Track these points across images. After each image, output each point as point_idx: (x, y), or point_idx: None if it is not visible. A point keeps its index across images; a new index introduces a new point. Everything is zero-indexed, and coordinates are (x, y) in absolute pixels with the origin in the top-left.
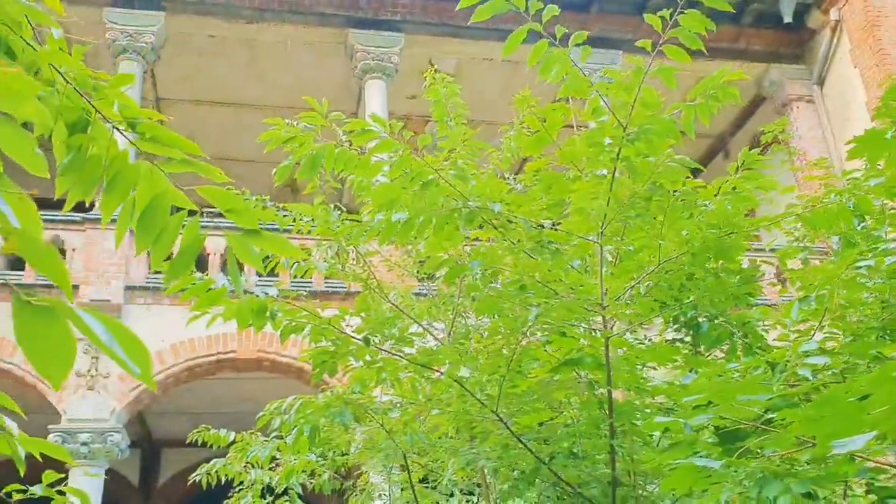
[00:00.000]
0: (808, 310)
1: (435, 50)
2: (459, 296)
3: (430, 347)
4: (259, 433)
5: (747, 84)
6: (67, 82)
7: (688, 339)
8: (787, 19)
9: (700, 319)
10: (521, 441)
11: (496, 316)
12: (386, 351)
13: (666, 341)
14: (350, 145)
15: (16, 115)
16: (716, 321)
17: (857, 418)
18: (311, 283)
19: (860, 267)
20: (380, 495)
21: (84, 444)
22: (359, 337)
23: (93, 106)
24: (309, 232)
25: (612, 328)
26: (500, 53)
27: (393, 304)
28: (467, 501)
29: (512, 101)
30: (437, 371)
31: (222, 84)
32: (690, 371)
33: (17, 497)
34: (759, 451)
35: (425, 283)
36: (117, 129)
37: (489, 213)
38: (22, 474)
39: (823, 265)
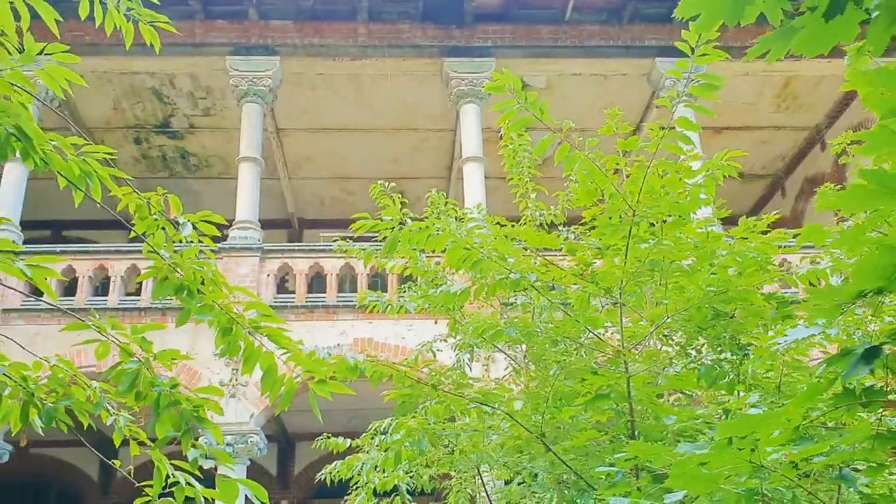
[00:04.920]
0: (762, 364)
1: (525, 70)
2: (533, 318)
3: (485, 387)
4: (372, 439)
5: (839, 77)
6: (220, 308)
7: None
8: None
9: (707, 360)
10: (559, 458)
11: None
12: (450, 392)
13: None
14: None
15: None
16: (723, 356)
17: (698, 478)
18: (324, 296)
19: (780, 344)
20: (469, 492)
21: (228, 444)
22: (428, 383)
23: (235, 320)
24: (404, 271)
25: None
26: (586, 69)
27: (476, 332)
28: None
29: (601, 112)
30: (492, 406)
31: (333, 113)
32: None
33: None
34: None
35: (506, 313)
36: (249, 331)
37: (528, 281)
38: None
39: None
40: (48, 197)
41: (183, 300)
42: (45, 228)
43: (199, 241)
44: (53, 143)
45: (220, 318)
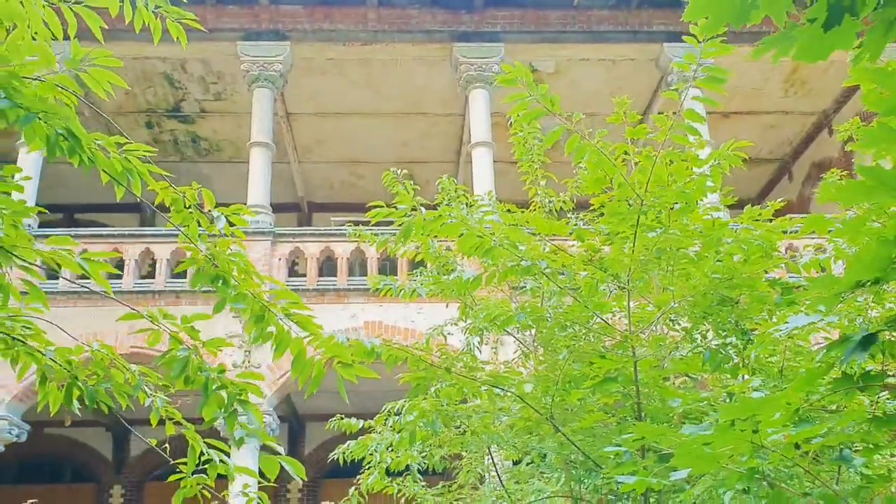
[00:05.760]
0: (765, 349)
1: (534, 55)
2: (542, 303)
3: (495, 370)
4: (385, 420)
5: (847, 63)
6: (254, 297)
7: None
8: None
9: (712, 344)
10: (568, 438)
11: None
12: (462, 375)
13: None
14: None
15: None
16: (728, 341)
17: (701, 458)
18: (335, 280)
19: (781, 331)
20: (479, 472)
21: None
22: (441, 366)
23: (267, 307)
24: (415, 256)
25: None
26: (595, 54)
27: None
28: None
29: (609, 96)
30: (502, 389)
31: (343, 98)
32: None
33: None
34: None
35: (515, 297)
36: (281, 318)
37: (538, 268)
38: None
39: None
40: (61, 181)
41: (219, 289)
42: (57, 212)
43: (232, 234)
44: (98, 142)
45: (254, 306)
